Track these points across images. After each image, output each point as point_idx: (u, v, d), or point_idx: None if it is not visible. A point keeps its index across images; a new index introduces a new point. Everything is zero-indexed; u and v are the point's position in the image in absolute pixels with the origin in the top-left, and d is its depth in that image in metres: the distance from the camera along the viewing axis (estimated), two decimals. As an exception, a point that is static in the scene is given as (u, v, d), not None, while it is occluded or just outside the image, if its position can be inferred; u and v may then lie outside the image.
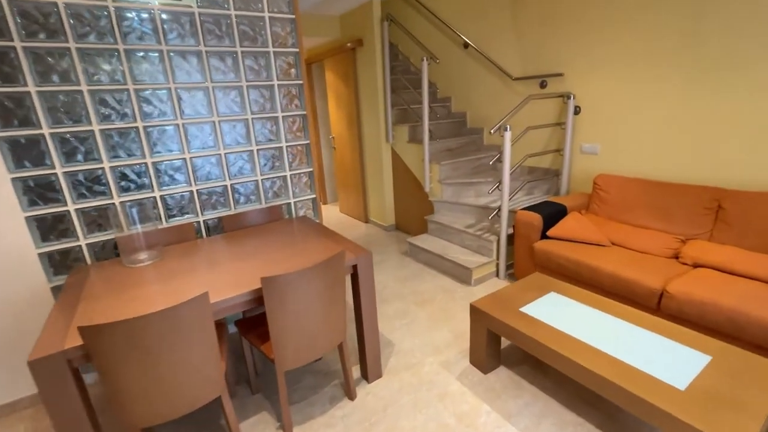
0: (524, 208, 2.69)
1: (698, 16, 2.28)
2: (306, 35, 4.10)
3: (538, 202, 2.89)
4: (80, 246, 1.94)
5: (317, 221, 2.55)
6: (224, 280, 1.57)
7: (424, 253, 3.27)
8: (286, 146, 2.48)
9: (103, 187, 1.96)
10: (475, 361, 1.97)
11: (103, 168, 1.94)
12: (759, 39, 2.08)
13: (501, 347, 2.09)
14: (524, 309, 1.82)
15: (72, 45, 1.78)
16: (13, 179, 1.76)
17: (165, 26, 1.97)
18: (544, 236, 2.63)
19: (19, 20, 1.67)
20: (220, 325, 1.74)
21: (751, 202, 2.08)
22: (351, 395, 1.82)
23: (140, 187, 2.06)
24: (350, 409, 1.77)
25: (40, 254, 1.86)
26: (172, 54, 2.02)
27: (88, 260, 1.98)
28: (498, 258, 2.92)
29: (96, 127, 1.89)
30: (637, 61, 2.60)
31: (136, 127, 1.99)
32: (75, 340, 1.21)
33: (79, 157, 1.88)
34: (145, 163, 2.05)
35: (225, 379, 1.45)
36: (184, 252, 1.94)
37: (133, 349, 1.18)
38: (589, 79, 2.88)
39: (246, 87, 2.27)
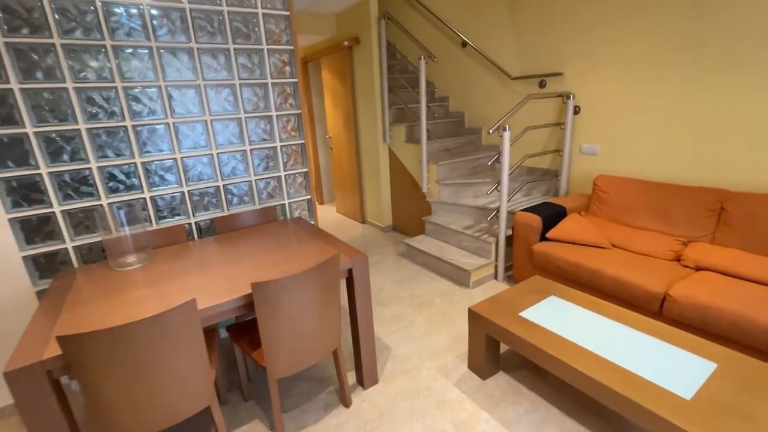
0: (523, 210, 2.64)
1: (698, 16, 2.24)
2: (302, 33, 4.04)
3: (537, 203, 2.85)
4: (66, 249, 1.88)
5: (312, 223, 2.50)
6: (215, 284, 1.51)
7: (422, 254, 3.23)
8: (281, 146, 2.43)
9: (90, 188, 1.90)
10: (473, 366, 1.93)
11: (90, 168, 1.88)
12: (760, 39, 2.05)
13: (500, 352, 2.04)
14: (524, 314, 1.78)
15: (57, 41, 1.72)
16: (-4, 180, 1.70)
17: (154, 22, 1.91)
18: (543, 238, 2.58)
19: (1, 15, 1.61)
20: (210, 331, 1.68)
21: (754, 203, 2.04)
22: (346, 402, 1.77)
23: (129, 187, 2.00)
24: (345, 417, 1.72)
25: (24, 257, 1.80)
26: (162, 51, 1.96)
27: (75, 263, 1.92)
28: (497, 260, 2.87)
29: (83, 126, 1.83)
30: (637, 60, 2.56)
31: (125, 126, 1.93)
32: (55, 350, 1.15)
33: (65, 156, 1.82)
34: (135, 163, 1.99)
35: (215, 387, 1.40)
36: (174, 255, 1.88)
37: (116, 359, 1.13)
38: (588, 78, 2.84)
39: (239, 85, 2.21)
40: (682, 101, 2.40)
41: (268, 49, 2.26)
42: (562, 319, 1.72)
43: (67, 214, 1.86)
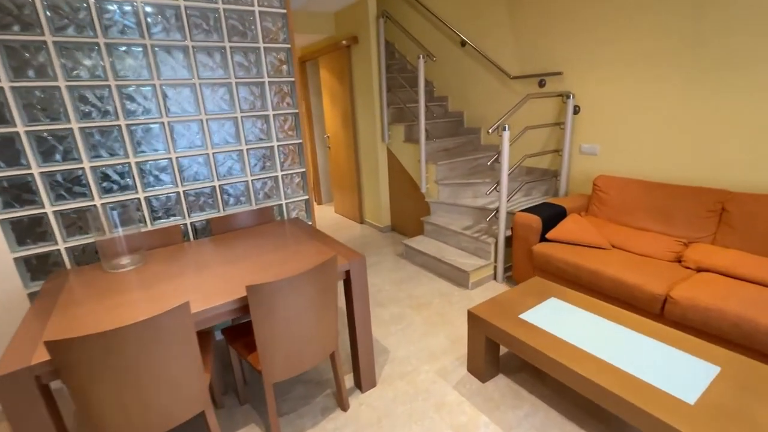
0: (523, 210, 2.62)
1: (698, 15, 2.22)
2: (300, 32, 4.01)
3: (537, 203, 2.83)
4: (59, 250, 1.85)
5: (309, 223, 2.47)
6: (210, 286, 1.48)
7: (421, 255, 3.20)
8: (278, 145, 2.40)
9: (83, 188, 1.87)
10: (472, 369, 1.90)
11: (83, 168, 1.85)
12: (761, 38, 2.03)
13: (500, 354, 2.02)
14: (524, 316, 1.76)
15: (48, 38, 1.68)
16: (-14, 180, 1.67)
17: (149, 19, 1.88)
18: (543, 239, 2.56)
19: (-10, 11, 1.57)
20: (205, 334, 1.65)
21: (756, 204, 2.02)
22: (344, 406, 1.74)
23: (123, 188, 1.97)
24: (343, 420, 1.69)
25: (15, 259, 1.77)
26: (156, 49, 1.93)
27: (68, 265, 1.89)
28: (496, 261, 2.85)
29: (75, 125, 1.79)
30: (637, 60, 2.54)
31: (119, 126, 1.90)
32: (44, 355, 1.12)
33: (58, 156, 1.79)
34: (129, 163, 1.96)
35: (210, 391, 1.37)
36: (169, 256, 1.85)
37: (106, 364, 1.10)
38: (588, 78, 2.82)
39: (235, 84, 2.18)
40: (683, 101, 2.38)
41: (264, 48, 2.23)
42: (562, 321, 1.69)
43: (60, 214, 1.83)
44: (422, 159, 3.31)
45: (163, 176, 2.07)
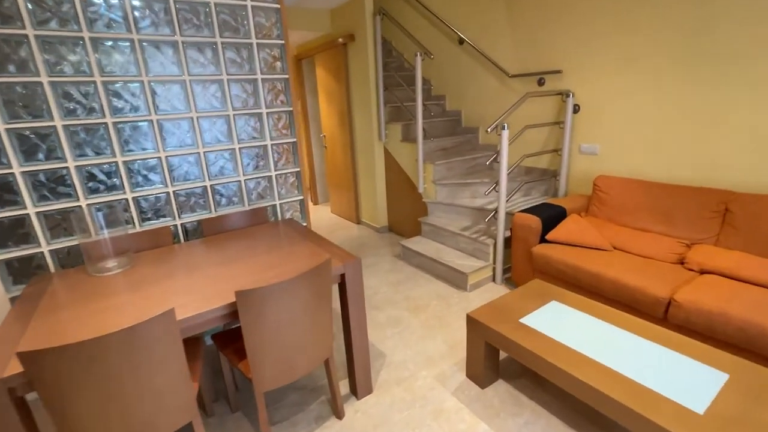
0: (522, 211, 2.57)
1: (701, 4, 2.17)
2: (296, 29, 3.94)
3: (536, 203, 2.78)
4: (42, 252, 1.78)
5: (304, 224, 2.41)
6: (200, 290, 1.42)
7: (418, 256, 3.15)
8: (271, 144, 2.33)
9: (68, 189, 1.80)
10: (471, 374, 1.85)
11: (67, 167, 1.78)
12: (765, 33, 1.98)
13: (499, 358, 1.97)
14: (524, 320, 1.70)
15: (30, 32, 1.61)
16: (-36, 180, 1.60)
17: (136, 13, 1.82)
18: (542, 240, 2.51)
19: (-32, 3, 1.50)
20: (194, 340, 1.59)
21: (760, 205, 1.98)
22: (338, 413, 1.68)
23: (111, 188, 1.90)
24: (338, 429, 1.63)
25: (-4, 262, 1.70)
26: (144, 44, 1.87)
27: (52, 268, 1.82)
28: (495, 262, 2.80)
29: (59, 123, 1.72)
30: (638, 57, 2.50)
31: (105, 123, 1.83)
32: (19, 366, 1.05)
33: (40, 155, 1.72)
34: (116, 162, 1.89)
35: (200, 399, 1.31)
36: (158, 258, 1.78)
37: (85, 376, 1.03)
38: (588, 76, 2.78)
39: (227, 81, 2.12)
40: (686, 99, 2.34)
41: (257, 44, 2.17)
42: (564, 325, 1.64)
43: (43, 215, 1.76)
44: (419, 158, 3.25)
45: (152, 176, 2.00)
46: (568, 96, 2.83)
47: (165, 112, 1.97)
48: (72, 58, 1.71)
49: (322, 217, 4.89)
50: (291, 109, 2.36)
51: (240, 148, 2.23)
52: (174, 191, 2.07)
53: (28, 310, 1.37)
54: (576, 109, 2.89)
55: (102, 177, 1.87)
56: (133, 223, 1.98)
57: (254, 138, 2.27)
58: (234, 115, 2.18)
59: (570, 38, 2.82)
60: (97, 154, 1.84)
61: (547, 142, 3.14)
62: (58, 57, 1.69)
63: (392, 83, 3.98)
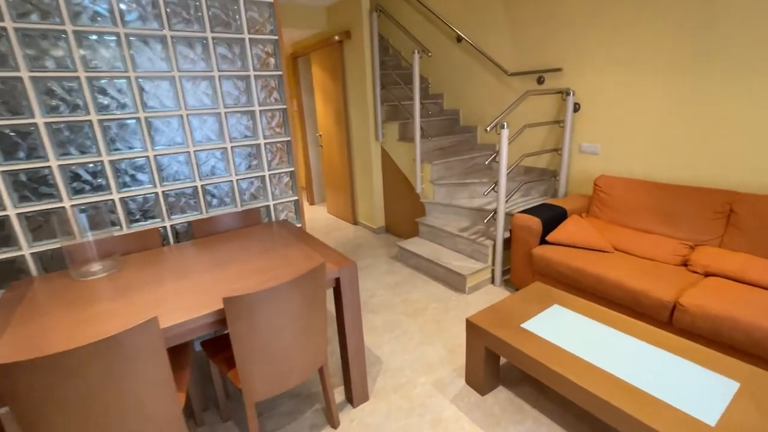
0: (522, 211, 2.52)
1: (705, 2, 2.12)
2: (291, 27, 3.87)
3: (536, 204, 2.73)
4: (24, 256, 1.70)
5: (299, 225, 2.34)
6: (189, 295, 1.35)
7: (415, 257, 3.09)
8: (265, 143, 2.26)
9: (50, 189, 1.72)
10: (471, 381, 1.79)
11: (50, 167, 1.70)
12: (773, 30, 1.94)
13: (500, 364, 1.91)
14: (525, 325, 1.65)
15: (9, 24, 1.54)
16: (-61, 180, 1.52)
17: (122, 6, 1.74)
18: (542, 241, 2.46)
19: (-58, -7, 1.43)
20: (182, 347, 1.52)
21: (765, 205, 1.93)
22: (334, 423, 1.62)
23: (96, 188, 1.83)
24: (332, 439, 1.57)
25: (-26, 266, 1.62)
26: (131, 38, 1.79)
27: (35, 272, 1.74)
28: (494, 264, 2.74)
29: (40, 120, 1.65)
30: (640, 54, 2.45)
31: (90, 121, 1.76)
32: (-11, 379, 0.98)
33: (21, 154, 1.64)
34: (102, 162, 1.82)
35: (189, 408, 1.24)
36: (146, 261, 1.71)
37: (61, 389, 0.96)
38: (589, 74, 2.73)
39: (218, 77, 2.04)
40: (689, 96, 2.29)
41: (250, 39, 2.10)
42: (567, 330, 1.59)
43: (24, 217, 1.68)
44: (417, 158, 3.19)
45: (141, 176, 1.93)
46: (568, 94, 2.78)
47: (153, 109, 1.90)
48: (54, 52, 1.64)
49: (318, 217, 4.82)
50: (285, 106, 2.29)
51: (232, 147, 2.16)
52: (163, 191, 2.00)
53: (4, 317, 1.30)
54: (576, 107, 2.84)
55: (87, 177, 1.80)
56: (120, 225, 1.91)
57: (247, 136, 2.20)
58: (226, 112, 2.11)
59: (570, 35, 2.77)
60: (82, 153, 1.77)
61: (546, 141, 3.09)
62: (40, 51, 1.61)
63: (389, 81, 3.91)
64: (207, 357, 1.58)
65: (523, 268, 2.52)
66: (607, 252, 2.25)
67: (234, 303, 1.18)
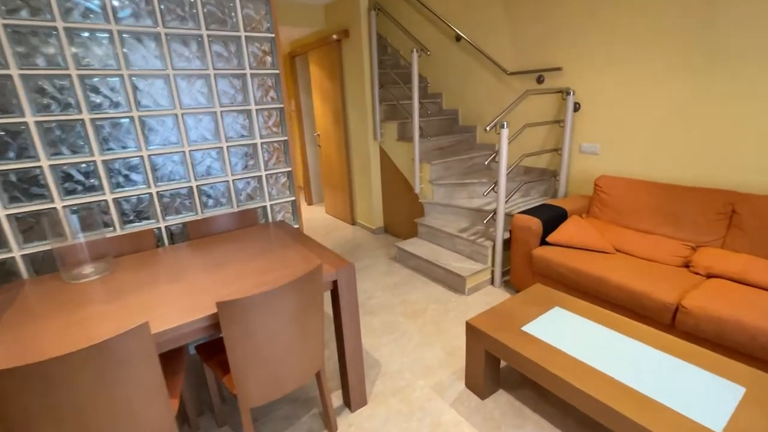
0: (522, 212, 2.49)
1: (707, 1, 2.10)
2: (289, 25, 3.83)
3: (536, 204, 2.70)
4: (14, 258, 1.67)
5: (296, 226, 2.31)
6: (183, 298, 1.32)
7: (414, 258, 3.06)
8: (261, 143, 2.23)
9: (41, 189, 1.68)
10: (471, 384, 1.76)
11: (41, 167, 1.66)
12: (776, 29, 1.91)
13: (500, 367, 1.88)
14: (526, 328, 1.62)
15: (-2, 21, 1.50)
16: (-74, 180, 1.48)
17: (115, 2, 1.70)
18: (543, 242, 2.43)
19: (-72, -12, 1.39)
20: (176, 351, 1.49)
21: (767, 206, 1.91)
22: (331, 428, 1.59)
23: (89, 189, 1.79)
24: (330, 445, 1.54)
25: (-37, 268, 1.58)
26: (125, 35, 1.76)
27: (25, 274, 1.70)
28: (493, 265, 2.72)
29: (30, 119, 1.61)
30: (641, 54, 2.42)
31: (82, 120, 1.72)
32: (-27, 387, 0.95)
33: (11, 153, 1.60)
34: (94, 162, 1.78)
35: (184, 413, 1.21)
36: (139, 263, 1.68)
37: (47, 399, 0.93)
38: (589, 73, 2.70)
39: (214, 75, 2.01)
40: (690, 96, 2.27)
41: (246, 37, 2.07)
42: (568, 333, 1.56)
43: (14, 218, 1.65)
44: (416, 158, 3.16)
45: (134, 176, 1.89)
46: (568, 94, 2.76)
47: (147, 108, 1.86)
48: (44, 49, 1.60)
49: (316, 217, 4.78)
50: (282, 106, 2.26)
51: (228, 147, 2.13)
52: (158, 192, 1.96)
53: (-7, 321, 1.27)
54: (576, 107, 2.82)
55: (79, 177, 1.76)
56: (114, 226, 1.87)
57: (243, 136, 2.17)
58: (221, 111, 2.07)
59: (570, 35, 2.75)
60: (74, 152, 1.73)
61: (546, 141, 3.07)
62: (30, 48, 1.57)
63: (388, 81, 3.88)
64: (201, 361, 1.55)
65: (523, 269, 2.50)
66: (608, 253, 2.22)
67: (228, 307, 1.14)
